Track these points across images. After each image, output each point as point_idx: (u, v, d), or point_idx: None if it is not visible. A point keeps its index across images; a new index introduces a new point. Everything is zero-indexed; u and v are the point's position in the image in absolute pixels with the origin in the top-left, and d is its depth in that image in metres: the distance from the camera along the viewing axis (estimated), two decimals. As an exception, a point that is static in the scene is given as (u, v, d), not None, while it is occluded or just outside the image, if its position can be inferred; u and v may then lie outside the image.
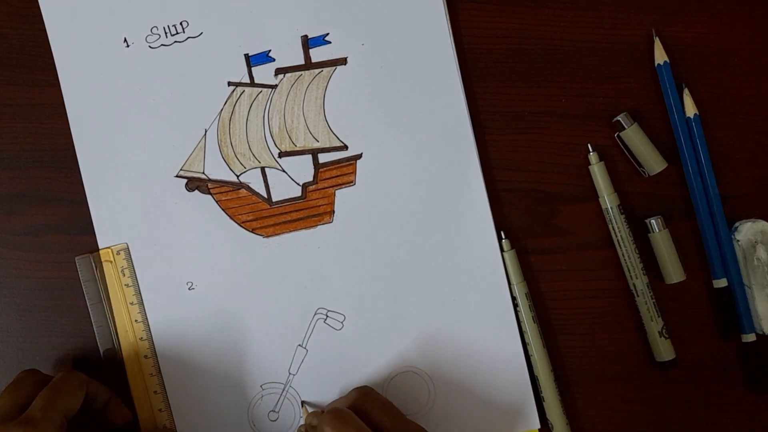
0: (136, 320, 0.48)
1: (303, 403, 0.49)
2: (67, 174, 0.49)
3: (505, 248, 0.49)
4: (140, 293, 0.48)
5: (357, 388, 0.47)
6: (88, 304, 0.48)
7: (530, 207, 0.50)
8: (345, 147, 0.49)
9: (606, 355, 0.51)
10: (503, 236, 0.49)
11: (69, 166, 0.49)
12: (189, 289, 0.49)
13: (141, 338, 0.48)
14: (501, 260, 0.49)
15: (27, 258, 0.50)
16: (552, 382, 0.49)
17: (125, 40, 0.49)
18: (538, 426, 0.49)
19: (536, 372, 0.49)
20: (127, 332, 0.48)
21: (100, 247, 0.49)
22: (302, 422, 0.49)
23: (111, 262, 0.48)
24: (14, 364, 0.50)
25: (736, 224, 0.50)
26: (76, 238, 0.49)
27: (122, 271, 0.48)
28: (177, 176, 0.49)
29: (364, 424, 0.42)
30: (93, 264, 0.48)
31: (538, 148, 0.50)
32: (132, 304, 0.48)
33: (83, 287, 0.48)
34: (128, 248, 0.48)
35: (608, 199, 0.49)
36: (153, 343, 0.49)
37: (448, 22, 0.49)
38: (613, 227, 0.50)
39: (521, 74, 0.50)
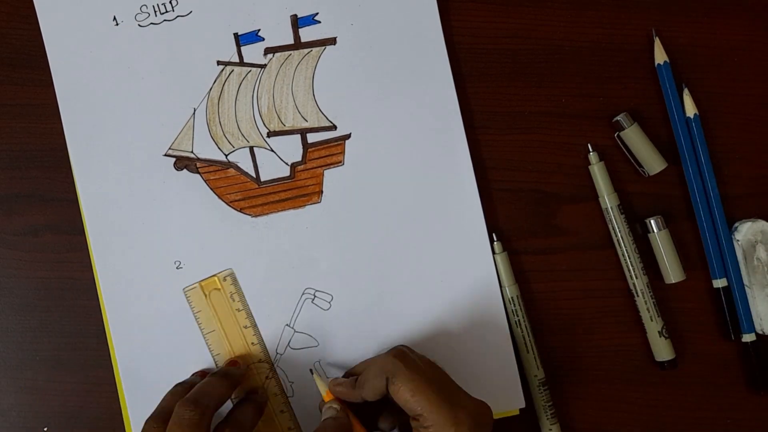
0: (252, 343, 0.48)
1: (313, 369, 0.48)
2: (67, 174, 0.49)
3: (497, 250, 0.49)
4: (252, 315, 0.49)
5: (393, 348, 0.46)
6: (203, 334, 0.48)
7: (530, 207, 0.50)
8: (334, 127, 0.49)
9: (606, 355, 0.51)
10: (495, 238, 0.49)
11: (69, 166, 0.49)
12: (177, 268, 0.49)
13: (260, 360, 0.48)
14: (489, 243, 0.49)
15: (27, 258, 0.50)
16: (536, 386, 0.49)
17: (114, 18, 0.49)
18: (523, 405, 0.49)
19: (526, 373, 0.49)
20: (246, 356, 0.48)
21: (85, 220, 0.48)
22: (321, 391, 0.47)
23: (219, 289, 0.48)
24: (14, 364, 0.50)
25: (736, 224, 0.50)
26: (76, 238, 0.49)
27: (231, 296, 0.48)
28: (165, 155, 0.49)
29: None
30: (203, 293, 0.48)
31: (538, 148, 0.50)
32: (246, 327, 0.48)
33: (195, 317, 0.48)
34: (233, 273, 0.49)
35: (608, 199, 0.49)
36: (272, 365, 0.49)
37: (437, 2, 0.49)
38: (613, 227, 0.50)
39: (521, 74, 0.50)
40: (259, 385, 0.48)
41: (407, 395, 0.41)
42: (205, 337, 0.48)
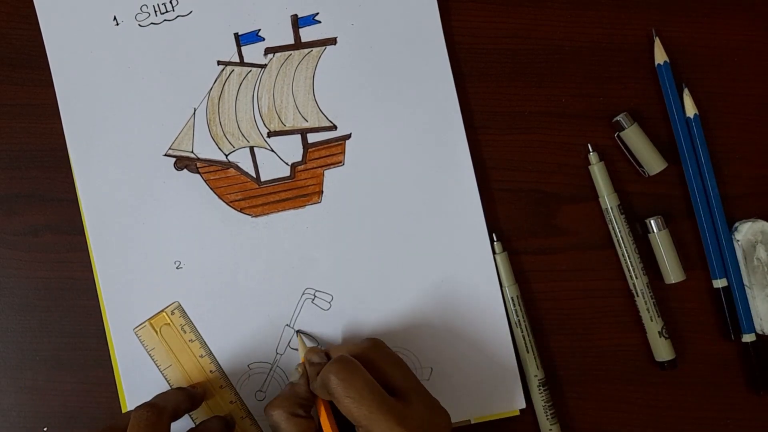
0: (210, 371, 0.48)
1: (299, 332, 0.48)
2: (66, 174, 0.49)
3: (498, 250, 0.49)
4: (206, 344, 0.48)
5: (368, 338, 0.46)
6: (160, 370, 0.48)
7: (530, 207, 0.50)
8: (334, 127, 0.49)
9: (606, 355, 0.51)
10: (495, 238, 0.49)
11: (69, 166, 0.49)
12: (177, 268, 0.49)
13: (221, 386, 0.48)
14: (489, 243, 0.49)
15: (27, 258, 0.50)
16: (536, 387, 0.49)
17: (114, 18, 0.49)
18: (524, 405, 0.49)
19: (526, 374, 0.49)
20: (207, 384, 0.49)
21: (85, 220, 0.48)
22: (300, 356, 0.47)
23: (168, 324, 0.48)
24: (14, 364, 0.50)
25: (736, 224, 0.50)
26: (76, 238, 0.49)
27: (182, 328, 0.48)
28: (166, 155, 0.49)
29: (372, 378, 0.41)
30: (154, 330, 0.48)
31: (538, 148, 0.50)
32: (201, 356, 0.48)
33: (150, 356, 0.48)
34: (180, 305, 0.48)
35: (608, 199, 0.49)
36: (236, 391, 0.49)
37: (437, 3, 0.49)
38: (613, 227, 0.50)
39: (521, 74, 0.50)
40: (225, 412, 0.48)
41: (345, 409, 0.40)
42: (163, 373, 0.48)
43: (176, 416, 0.43)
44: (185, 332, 0.48)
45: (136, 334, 0.48)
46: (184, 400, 0.45)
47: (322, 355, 0.45)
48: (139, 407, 0.42)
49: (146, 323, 0.48)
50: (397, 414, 0.40)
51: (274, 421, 0.42)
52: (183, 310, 0.48)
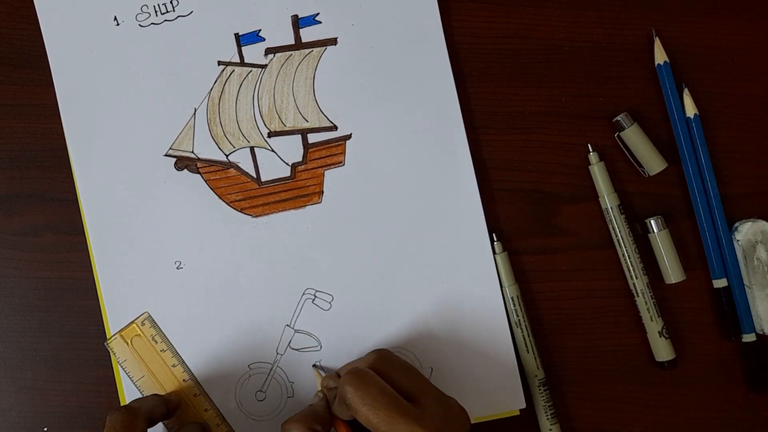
0: (183, 380, 0.48)
1: (315, 366, 0.49)
2: (67, 174, 0.49)
3: (498, 250, 0.49)
4: (178, 353, 0.48)
5: (374, 350, 0.46)
6: (133, 382, 0.48)
7: (530, 207, 0.50)
8: (334, 127, 0.49)
9: (606, 355, 0.51)
10: (495, 238, 0.49)
11: (69, 166, 0.49)
12: (177, 268, 0.49)
13: (195, 394, 0.48)
14: (489, 243, 0.49)
15: (27, 258, 0.50)
16: (536, 387, 0.49)
17: (115, 18, 0.49)
18: (524, 405, 0.49)
19: (526, 374, 0.49)
20: (181, 394, 0.48)
21: (85, 220, 0.48)
22: (317, 387, 0.48)
23: (139, 335, 0.48)
24: (14, 364, 0.50)
25: (736, 224, 0.50)
26: (76, 238, 0.49)
27: (153, 338, 0.48)
28: (166, 155, 0.49)
29: (386, 384, 0.41)
30: (125, 342, 0.48)
31: (538, 148, 0.50)
32: (174, 366, 0.48)
33: (121, 368, 0.48)
34: (150, 316, 0.48)
35: (608, 199, 0.49)
36: (210, 399, 0.49)
37: (437, 3, 0.49)
38: (613, 227, 0.50)
39: (521, 74, 0.50)
40: (200, 419, 0.48)
41: (363, 417, 0.40)
42: (135, 384, 0.48)
43: (152, 422, 0.44)
44: (156, 342, 0.48)
45: (108, 347, 0.48)
46: (158, 405, 0.45)
47: (336, 379, 0.45)
48: (114, 410, 0.42)
49: (117, 335, 0.48)
50: (414, 415, 0.40)
51: None
52: (153, 320, 0.48)
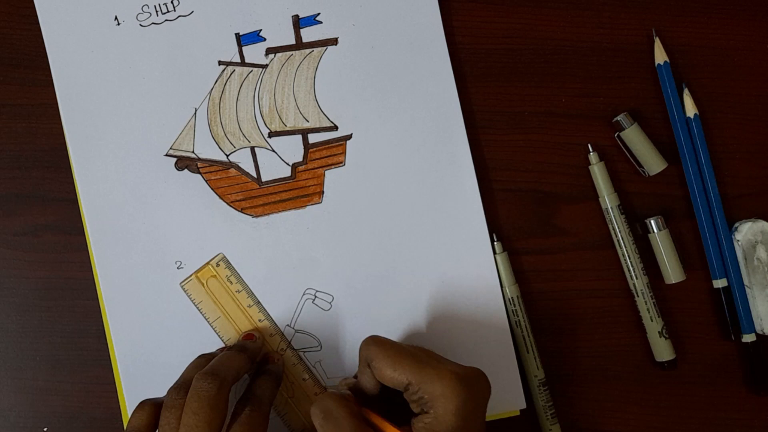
0: (259, 320, 0.49)
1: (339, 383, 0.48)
2: (67, 174, 0.49)
3: (498, 250, 0.49)
4: (253, 294, 0.49)
5: (363, 342, 0.44)
6: (209, 323, 0.48)
7: (530, 207, 0.50)
8: (335, 127, 0.49)
9: (606, 355, 0.51)
10: (495, 238, 0.49)
11: (69, 166, 0.49)
12: (178, 268, 0.49)
13: (271, 334, 0.49)
14: (489, 243, 0.49)
15: (27, 258, 0.50)
16: (537, 387, 0.49)
17: (116, 18, 0.49)
18: (524, 405, 0.49)
19: (526, 374, 0.49)
20: (256, 332, 0.49)
21: (85, 220, 0.48)
22: (328, 383, 0.48)
23: (215, 276, 0.48)
24: (14, 364, 0.50)
25: (736, 224, 0.50)
26: (76, 238, 0.49)
27: (228, 279, 0.48)
28: (166, 155, 0.49)
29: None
30: (201, 283, 0.48)
31: (538, 148, 0.50)
32: (250, 306, 0.48)
33: (198, 309, 0.48)
34: (225, 257, 0.49)
35: (608, 199, 0.49)
36: (285, 336, 0.49)
37: (438, 3, 0.49)
38: (613, 227, 0.50)
39: (521, 74, 0.50)
40: (273, 350, 0.48)
41: (389, 371, 0.41)
42: (212, 325, 0.48)
43: (236, 381, 0.44)
44: (231, 283, 0.48)
45: (183, 288, 0.48)
46: (244, 364, 0.45)
47: (351, 378, 0.46)
48: (201, 375, 0.42)
49: (192, 277, 0.48)
50: (438, 358, 0.42)
51: (325, 405, 0.41)
52: (228, 261, 0.48)
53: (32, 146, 0.50)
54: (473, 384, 0.41)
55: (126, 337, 0.49)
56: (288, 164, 0.50)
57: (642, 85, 0.51)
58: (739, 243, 0.50)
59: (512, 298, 0.49)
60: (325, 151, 0.49)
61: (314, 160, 0.49)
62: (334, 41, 0.49)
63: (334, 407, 0.41)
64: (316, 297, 0.49)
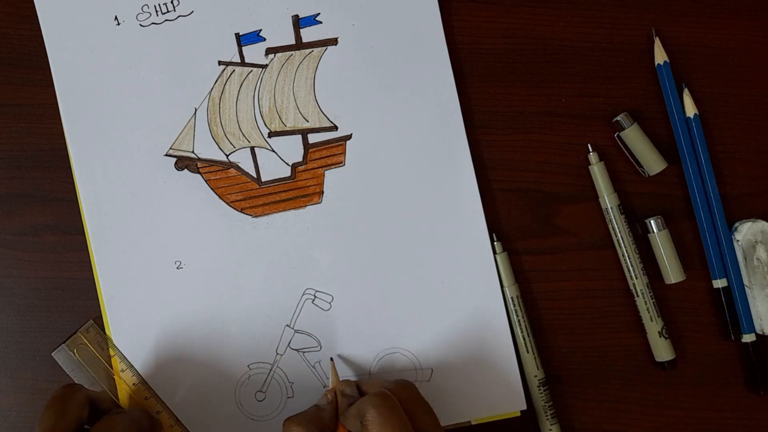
0: (134, 383, 0.48)
1: (332, 359, 0.48)
2: (67, 174, 0.49)
3: (498, 250, 0.49)
4: (126, 359, 0.48)
5: (400, 380, 0.45)
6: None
7: (530, 207, 0.50)
8: (335, 127, 0.49)
9: (606, 355, 0.51)
10: (495, 238, 0.49)
11: (69, 166, 0.49)
12: (177, 268, 0.49)
13: (146, 398, 0.48)
14: (489, 243, 0.49)
15: (27, 258, 0.50)
16: (536, 387, 0.49)
17: (116, 18, 0.49)
18: (524, 407, 0.49)
19: (526, 374, 0.49)
20: (132, 398, 0.48)
21: (85, 220, 0.49)
22: (329, 383, 0.47)
23: (84, 344, 0.48)
24: (14, 364, 0.50)
25: (736, 224, 0.50)
26: (76, 238, 0.49)
27: (99, 345, 0.48)
28: (166, 155, 0.49)
29: (407, 419, 0.40)
30: (71, 353, 0.48)
31: (538, 148, 0.50)
32: (123, 371, 0.48)
33: (71, 377, 0.48)
34: (94, 323, 0.48)
35: (608, 199, 0.49)
36: (160, 399, 0.48)
37: (438, 3, 0.49)
38: (613, 227, 0.50)
39: (521, 74, 0.50)
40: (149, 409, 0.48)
41: None
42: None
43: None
44: (102, 349, 0.48)
45: (54, 358, 0.48)
46: (143, 418, 0.45)
47: (354, 388, 0.45)
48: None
49: (62, 346, 0.48)
50: None
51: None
52: (97, 328, 0.48)
53: (32, 146, 0.50)
54: None
55: (126, 336, 0.49)
56: (288, 164, 0.50)
57: (642, 85, 0.51)
58: (739, 243, 0.50)
59: (512, 298, 0.49)
60: (324, 151, 0.49)
61: (314, 160, 0.49)
62: (334, 41, 0.49)
63: None
64: (315, 297, 0.49)
